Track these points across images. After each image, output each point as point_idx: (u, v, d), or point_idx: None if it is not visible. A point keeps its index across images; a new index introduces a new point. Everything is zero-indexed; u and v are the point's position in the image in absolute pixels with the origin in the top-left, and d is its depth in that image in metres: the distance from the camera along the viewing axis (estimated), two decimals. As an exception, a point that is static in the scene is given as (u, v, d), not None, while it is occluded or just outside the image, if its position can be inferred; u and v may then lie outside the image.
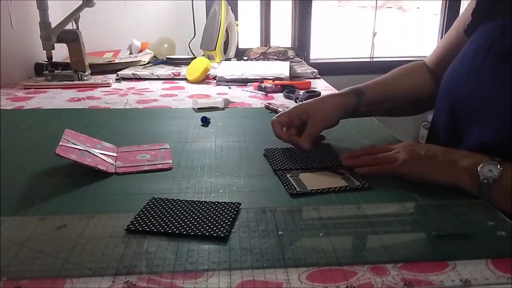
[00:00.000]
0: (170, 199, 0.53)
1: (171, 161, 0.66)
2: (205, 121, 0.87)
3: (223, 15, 1.61)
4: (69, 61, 1.33)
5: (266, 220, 0.48)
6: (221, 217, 0.49)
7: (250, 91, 1.21)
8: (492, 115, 0.59)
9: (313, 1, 2.05)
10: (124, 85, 1.31)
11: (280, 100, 1.11)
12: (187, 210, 0.50)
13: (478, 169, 0.53)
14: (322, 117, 0.68)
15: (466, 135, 0.63)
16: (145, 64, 1.58)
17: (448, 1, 2.18)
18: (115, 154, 0.68)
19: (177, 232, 0.46)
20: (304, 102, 0.72)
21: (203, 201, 0.53)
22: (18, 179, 0.60)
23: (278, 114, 0.71)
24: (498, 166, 0.52)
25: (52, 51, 1.29)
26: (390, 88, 0.76)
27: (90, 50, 1.48)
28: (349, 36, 2.40)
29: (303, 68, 1.52)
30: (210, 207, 0.51)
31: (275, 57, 1.69)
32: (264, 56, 1.70)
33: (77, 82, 1.30)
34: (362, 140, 0.78)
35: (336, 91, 1.21)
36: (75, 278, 0.38)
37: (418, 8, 2.82)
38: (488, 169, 0.52)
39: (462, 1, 2.18)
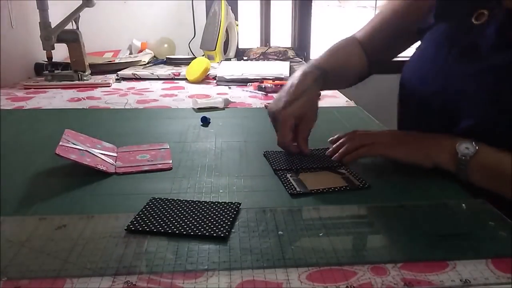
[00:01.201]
0: (170, 199, 0.53)
1: (171, 161, 0.66)
2: (205, 121, 0.87)
3: (223, 15, 1.61)
4: (69, 61, 1.33)
5: (266, 220, 0.48)
6: (221, 217, 0.49)
7: (250, 91, 1.21)
8: (469, 109, 0.62)
9: (313, 1, 2.05)
10: (124, 85, 1.31)
11: (280, 100, 1.11)
12: (187, 210, 0.50)
13: (456, 147, 0.57)
14: (312, 116, 0.69)
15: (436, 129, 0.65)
16: (145, 64, 1.58)
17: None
18: (115, 154, 0.68)
19: (177, 232, 0.46)
20: (286, 106, 0.67)
21: (203, 201, 0.53)
22: (18, 179, 0.60)
23: (280, 134, 0.67)
24: (474, 144, 0.56)
25: (52, 51, 1.29)
26: (339, 63, 0.80)
27: (90, 50, 1.48)
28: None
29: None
30: (210, 207, 0.51)
31: (275, 57, 1.69)
32: (264, 56, 1.70)
33: (77, 82, 1.30)
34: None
35: (336, 91, 1.22)
36: (75, 278, 0.38)
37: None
38: (464, 146, 0.57)
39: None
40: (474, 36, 0.63)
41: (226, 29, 1.68)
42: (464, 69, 0.63)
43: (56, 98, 1.13)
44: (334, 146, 0.68)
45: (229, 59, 1.67)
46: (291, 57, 1.73)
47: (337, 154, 0.66)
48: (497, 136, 0.57)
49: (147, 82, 1.36)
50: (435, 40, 0.70)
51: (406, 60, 0.79)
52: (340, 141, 0.68)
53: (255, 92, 1.19)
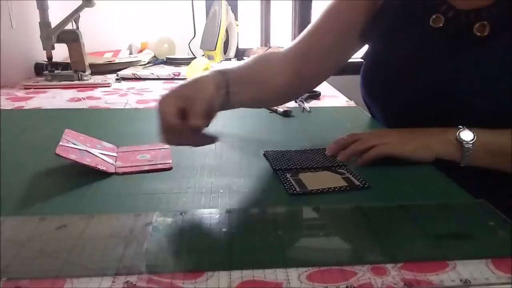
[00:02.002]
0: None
1: (171, 161, 0.66)
2: (205, 121, 0.87)
3: (223, 15, 1.62)
4: (69, 61, 1.33)
5: (266, 220, 0.48)
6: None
7: (250, 91, 1.20)
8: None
9: (313, 1, 2.05)
10: (124, 85, 1.31)
11: (280, 100, 1.11)
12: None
13: (457, 137, 0.61)
14: (203, 95, 0.58)
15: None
16: (145, 64, 1.58)
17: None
18: (115, 154, 0.68)
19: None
20: (171, 91, 0.60)
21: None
22: (18, 179, 0.60)
23: (162, 103, 0.58)
24: (470, 130, 0.61)
25: (52, 51, 1.29)
26: (254, 74, 0.72)
27: (90, 50, 1.48)
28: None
29: (303, 68, 1.51)
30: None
31: (275, 57, 1.69)
32: (264, 56, 1.70)
33: (77, 82, 1.30)
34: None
35: (336, 91, 1.23)
36: (75, 278, 0.38)
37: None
38: (465, 134, 0.61)
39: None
40: (438, 35, 0.68)
41: (226, 29, 1.68)
42: (459, 64, 0.66)
43: (56, 98, 1.13)
44: (333, 146, 0.68)
45: (229, 59, 1.68)
46: (291, 57, 1.73)
47: (342, 155, 0.65)
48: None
49: (147, 82, 1.36)
50: (401, 39, 0.73)
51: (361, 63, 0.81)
52: (341, 141, 0.68)
53: (255, 92, 1.18)
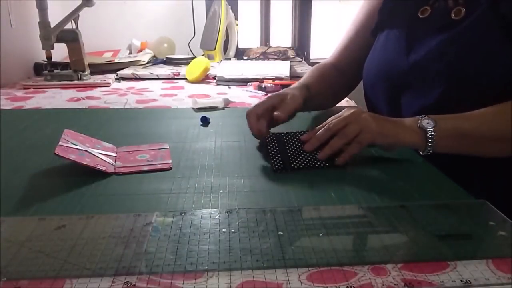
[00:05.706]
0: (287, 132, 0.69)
1: (170, 161, 0.66)
2: (205, 121, 0.87)
3: (223, 15, 1.61)
4: (68, 61, 1.33)
5: (266, 220, 0.48)
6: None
7: (250, 91, 1.21)
8: (428, 84, 0.71)
9: (313, 1, 2.05)
10: (124, 85, 1.31)
11: (280, 100, 1.11)
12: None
13: (418, 124, 0.61)
14: (294, 99, 0.75)
15: (406, 106, 0.75)
16: (144, 64, 1.58)
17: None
18: (114, 154, 0.68)
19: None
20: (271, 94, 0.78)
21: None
22: (18, 179, 0.60)
23: (253, 107, 0.74)
24: (429, 117, 0.61)
25: (51, 50, 1.29)
26: (321, 87, 0.88)
27: (89, 49, 1.48)
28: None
29: (303, 68, 1.52)
30: None
31: (275, 57, 1.70)
32: (264, 55, 1.70)
33: (76, 82, 1.29)
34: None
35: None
36: (74, 278, 0.38)
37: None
38: (426, 122, 0.61)
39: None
40: (423, 23, 0.74)
41: (226, 28, 1.68)
42: (423, 48, 0.72)
43: (56, 98, 1.13)
44: (312, 141, 0.65)
45: (229, 59, 1.67)
46: (291, 56, 1.74)
47: (322, 153, 0.63)
48: (461, 106, 0.64)
49: (146, 82, 1.36)
50: (389, 35, 0.80)
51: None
52: (319, 133, 0.65)
53: (255, 92, 1.19)
